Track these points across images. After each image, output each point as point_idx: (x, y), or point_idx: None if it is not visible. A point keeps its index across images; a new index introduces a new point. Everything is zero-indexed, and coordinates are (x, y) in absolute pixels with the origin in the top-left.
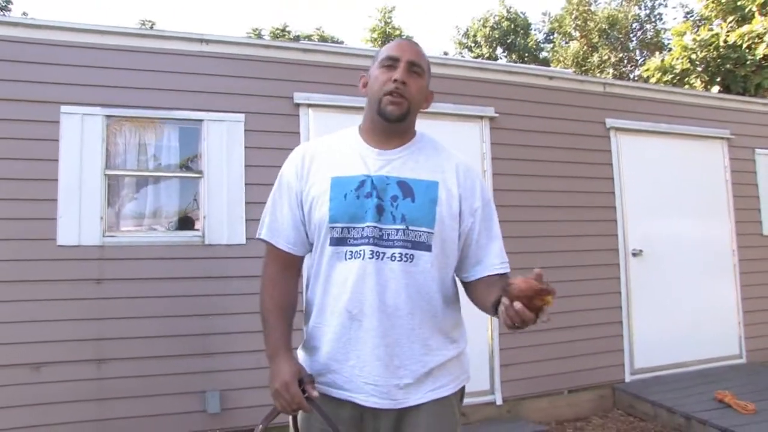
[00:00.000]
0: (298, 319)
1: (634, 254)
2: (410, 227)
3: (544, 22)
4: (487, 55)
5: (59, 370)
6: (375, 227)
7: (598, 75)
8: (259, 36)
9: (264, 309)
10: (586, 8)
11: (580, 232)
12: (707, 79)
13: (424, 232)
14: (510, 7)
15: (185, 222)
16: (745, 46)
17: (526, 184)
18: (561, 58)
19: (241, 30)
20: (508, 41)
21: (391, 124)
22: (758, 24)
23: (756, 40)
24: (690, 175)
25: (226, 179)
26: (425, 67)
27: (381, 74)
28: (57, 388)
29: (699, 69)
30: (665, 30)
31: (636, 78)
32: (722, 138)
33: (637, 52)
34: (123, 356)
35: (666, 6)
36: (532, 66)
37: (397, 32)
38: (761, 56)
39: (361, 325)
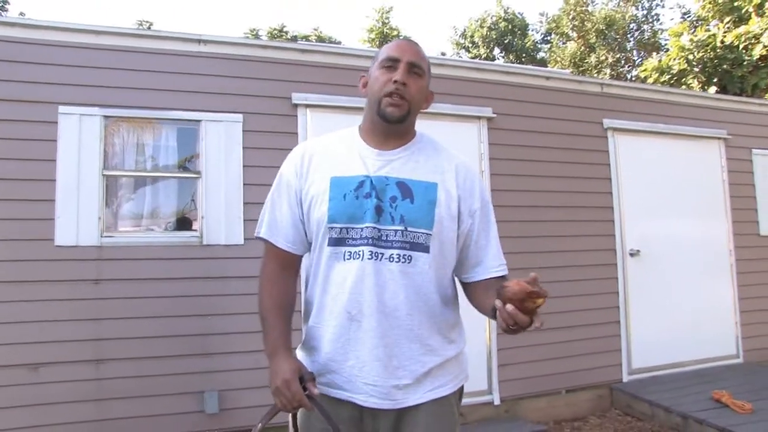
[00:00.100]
0: (296, 319)
1: (631, 254)
2: (409, 228)
3: (541, 22)
4: (485, 55)
5: (57, 370)
6: (374, 228)
7: (596, 75)
8: (257, 36)
9: (263, 308)
10: (583, 9)
11: (577, 232)
12: (704, 79)
13: (423, 233)
14: (507, 8)
15: (183, 222)
16: (741, 46)
17: (524, 185)
18: (558, 59)
19: (238, 30)
20: (506, 42)
21: (391, 125)
22: (755, 25)
23: (753, 41)
24: (687, 175)
25: (224, 179)
26: (425, 67)
27: (381, 75)
28: (55, 389)
29: (696, 69)
30: (662, 30)
31: (633, 78)
32: (719, 138)
33: (635, 52)
34: (121, 356)
35: (663, 7)
36: (530, 66)
37: (395, 33)
38: (758, 57)
39: (360, 325)
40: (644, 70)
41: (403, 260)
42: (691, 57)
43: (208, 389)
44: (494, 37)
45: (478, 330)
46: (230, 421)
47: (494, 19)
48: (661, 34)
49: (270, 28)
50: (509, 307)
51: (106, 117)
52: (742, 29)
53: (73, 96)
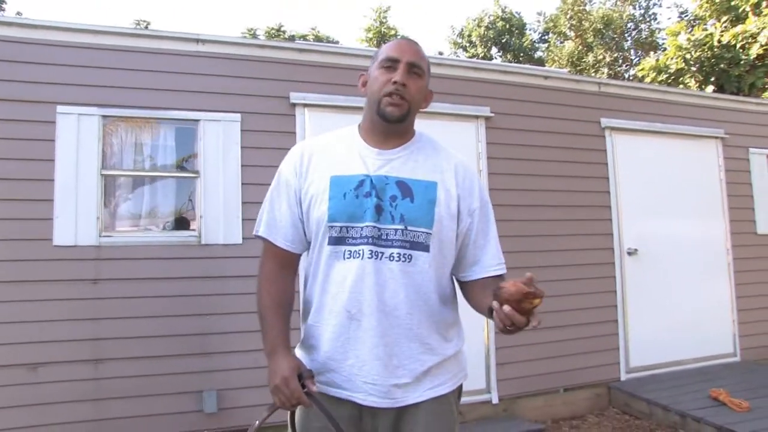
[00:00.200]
0: (294, 318)
1: (629, 253)
2: (409, 227)
3: (539, 21)
4: (482, 54)
5: (56, 370)
6: (374, 227)
7: (593, 75)
8: (254, 36)
9: (261, 306)
10: (581, 8)
11: (575, 231)
12: (701, 78)
13: (423, 232)
14: (505, 7)
15: (182, 222)
16: (739, 45)
17: (522, 184)
18: (556, 58)
19: (236, 30)
20: (503, 41)
21: (391, 125)
22: (752, 24)
23: (750, 40)
24: (684, 174)
25: (223, 179)
26: (425, 67)
27: (381, 75)
28: (54, 389)
29: (693, 69)
30: (660, 30)
31: (631, 78)
32: (716, 137)
33: (632, 51)
34: (120, 356)
35: (660, 6)
36: (528, 66)
37: (392, 32)
38: (755, 56)
39: (360, 324)
40: (642, 70)
41: (403, 259)
42: (688, 56)
43: (206, 388)
44: (492, 36)
45: (476, 329)
46: (229, 420)
47: (492, 18)
48: (659, 33)
49: (268, 27)
50: (506, 308)
51: (104, 117)
52: (739, 28)
53: (71, 96)
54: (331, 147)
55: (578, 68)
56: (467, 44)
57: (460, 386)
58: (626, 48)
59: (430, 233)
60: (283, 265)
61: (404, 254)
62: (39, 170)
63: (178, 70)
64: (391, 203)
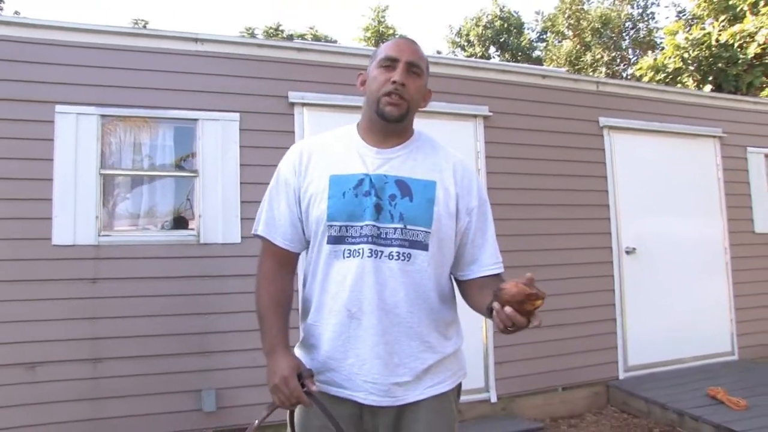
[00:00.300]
0: (293, 317)
1: (627, 252)
2: (408, 226)
3: (537, 21)
4: (480, 54)
5: (55, 369)
6: (373, 226)
7: (591, 74)
8: (253, 35)
9: (260, 305)
10: (579, 7)
11: (573, 230)
12: (699, 77)
13: (422, 231)
14: (503, 6)
15: (180, 221)
16: (736, 45)
17: (520, 183)
18: (554, 57)
19: (234, 29)
20: (501, 40)
21: (390, 124)
22: (750, 23)
23: (747, 39)
24: (682, 173)
25: (221, 178)
26: (424, 67)
27: (379, 74)
28: (52, 388)
29: (691, 68)
30: (658, 29)
31: (629, 77)
32: (714, 136)
33: (630, 51)
34: (119, 355)
35: (658, 5)
36: (526, 65)
37: (391, 31)
38: (753, 55)
39: (361, 323)
40: (640, 69)
41: (403, 258)
42: (686, 55)
43: (205, 387)
44: (490, 35)
45: (474, 328)
46: (228, 419)
47: (490, 17)
48: (657, 32)
49: (266, 26)
50: (508, 309)
51: (102, 116)
52: (737, 28)
53: (70, 95)
54: (330, 146)
55: (576, 67)
56: (465, 43)
57: (460, 384)
58: (624, 47)
59: (429, 232)
60: (281, 264)
61: (403, 253)
62: (38, 170)
63: (177, 69)
64: (390, 202)
